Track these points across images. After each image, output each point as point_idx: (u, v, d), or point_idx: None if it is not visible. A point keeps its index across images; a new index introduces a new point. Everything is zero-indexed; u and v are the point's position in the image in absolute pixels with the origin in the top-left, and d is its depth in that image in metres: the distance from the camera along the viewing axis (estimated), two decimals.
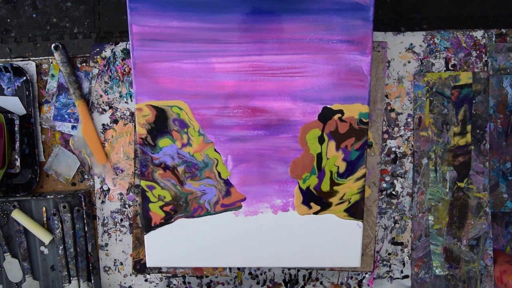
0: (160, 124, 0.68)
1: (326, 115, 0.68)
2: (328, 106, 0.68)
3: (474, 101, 0.75)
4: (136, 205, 0.78)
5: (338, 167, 0.70)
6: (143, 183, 0.70)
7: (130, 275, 0.80)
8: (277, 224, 0.71)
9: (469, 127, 0.75)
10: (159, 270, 0.79)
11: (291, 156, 0.69)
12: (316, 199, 0.70)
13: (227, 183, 0.70)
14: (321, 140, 0.69)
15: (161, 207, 0.71)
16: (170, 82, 0.67)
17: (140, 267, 0.79)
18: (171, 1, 0.65)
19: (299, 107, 0.68)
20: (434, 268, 0.77)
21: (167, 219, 0.71)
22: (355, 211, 0.71)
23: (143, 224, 0.71)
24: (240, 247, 0.71)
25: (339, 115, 0.68)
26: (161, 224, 0.71)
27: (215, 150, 0.69)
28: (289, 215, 0.71)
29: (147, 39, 0.66)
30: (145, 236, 0.71)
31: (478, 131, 0.76)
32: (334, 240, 0.71)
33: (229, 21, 0.65)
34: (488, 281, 0.77)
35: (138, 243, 0.78)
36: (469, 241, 0.77)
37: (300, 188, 0.70)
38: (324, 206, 0.71)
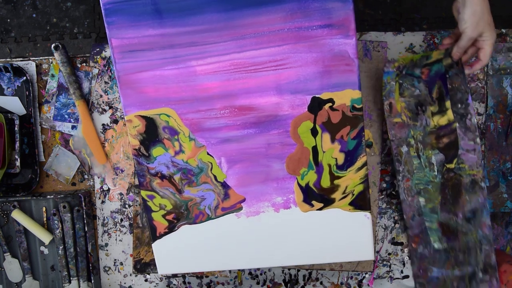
0: (151, 133, 0.68)
1: (316, 105, 0.66)
2: (317, 95, 0.66)
3: (447, 75, 0.69)
4: (136, 205, 0.78)
5: (336, 159, 0.68)
6: (143, 193, 0.70)
7: (130, 275, 0.80)
8: (280, 222, 0.70)
9: (448, 103, 0.70)
10: None
11: (285, 151, 0.68)
12: (318, 197, 0.69)
13: (225, 185, 0.69)
14: (314, 132, 0.67)
15: (163, 216, 0.71)
16: (155, 91, 0.67)
17: (140, 266, 0.79)
18: (145, 10, 0.64)
19: (286, 101, 0.66)
20: (433, 242, 0.75)
21: (171, 228, 0.71)
22: (360, 202, 0.69)
23: (149, 233, 0.72)
24: (246, 248, 0.71)
25: (330, 104, 0.66)
26: (166, 233, 0.71)
27: (208, 154, 0.69)
28: (291, 212, 0.70)
29: (127, 50, 0.65)
30: (152, 245, 0.72)
31: (459, 105, 0.69)
32: (342, 234, 0.70)
33: (204, 22, 0.64)
34: (488, 250, 0.72)
35: (139, 243, 0.78)
36: (465, 214, 0.73)
37: (299, 185, 0.69)
38: (327, 202, 0.69)
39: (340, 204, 0.69)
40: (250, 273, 0.80)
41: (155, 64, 0.66)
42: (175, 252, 0.71)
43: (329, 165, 0.68)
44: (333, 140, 0.67)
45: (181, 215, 0.71)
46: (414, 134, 0.73)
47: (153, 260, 0.78)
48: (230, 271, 0.80)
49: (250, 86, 0.66)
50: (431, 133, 0.72)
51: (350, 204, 0.69)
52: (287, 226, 0.70)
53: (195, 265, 0.72)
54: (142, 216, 0.78)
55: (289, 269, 0.80)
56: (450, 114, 0.70)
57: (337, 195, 0.69)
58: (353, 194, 0.69)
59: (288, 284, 0.81)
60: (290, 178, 0.69)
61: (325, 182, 0.69)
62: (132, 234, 0.79)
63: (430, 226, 0.75)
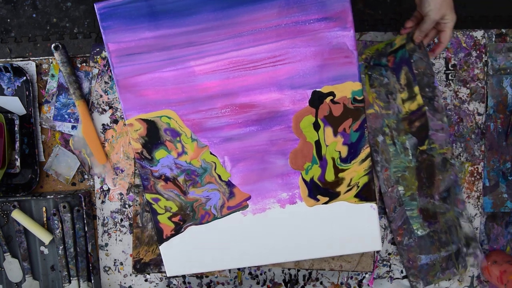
0: (153, 136, 0.68)
1: (317, 99, 0.66)
2: (317, 89, 0.66)
3: (412, 60, 0.70)
4: (136, 205, 0.78)
5: (339, 152, 0.68)
6: (148, 196, 0.70)
7: (130, 275, 0.80)
8: (287, 218, 0.70)
9: (416, 89, 0.72)
10: (159, 270, 0.79)
11: (288, 147, 0.68)
12: (323, 191, 0.69)
13: (229, 184, 0.69)
14: (316, 126, 0.67)
15: (169, 218, 0.71)
16: (154, 93, 0.67)
17: (140, 266, 0.79)
18: (141, 13, 0.64)
19: (287, 96, 0.66)
20: (416, 230, 0.76)
21: (178, 230, 0.71)
22: (366, 194, 0.69)
23: (156, 236, 0.72)
24: (254, 245, 0.71)
25: (331, 97, 0.66)
26: (172, 235, 0.71)
27: (211, 153, 0.69)
28: (297, 207, 0.70)
29: (124, 54, 0.65)
30: (160, 248, 0.72)
31: (427, 89, 0.72)
32: (349, 226, 0.70)
33: (201, 21, 0.64)
34: (466, 224, 0.76)
35: (138, 243, 0.78)
36: (440, 194, 0.76)
37: (303, 179, 0.69)
38: (332, 196, 0.69)
39: (346, 196, 0.69)
40: (250, 273, 0.80)
41: (153, 66, 0.66)
42: (183, 253, 0.72)
43: (333, 159, 0.68)
44: (335, 133, 0.67)
45: (187, 217, 0.70)
46: (388, 122, 0.74)
47: (153, 260, 0.78)
48: (229, 271, 0.80)
49: (249, 83, 0.66)
50: (404, 119, 0.74)
51: (356, 196, 0.69)
52: (294, 221, 0.70)
53: (204, 265, 0.72)
54: (142, 216, 0.78)
55: (289, 269, 0.80)
56: (419, 99, 0.72)
57: (342, 188, 0.69)
58: (358, 186, 0.69)
59: (288, 284, 0.81)
60: (295, 174, 0.69)
61: (330, 176, 0.69)
62: (132, 234, 0.79)
63: (411, 215, 0.76)
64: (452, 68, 0.80)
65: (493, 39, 0.80)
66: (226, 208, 0.70)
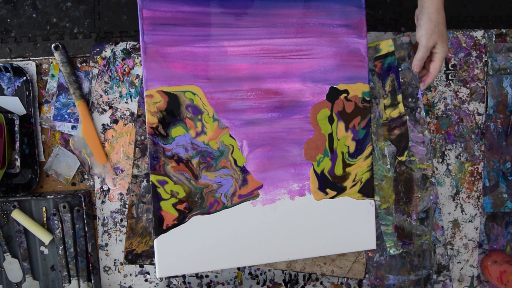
0: (173, 111, 0.66)
1: (333, 95, 0.70)
2: (334, 86, 0.70)
3: (400, 69, 0.72)
4: (132, 195, 0.77)
5: (348, 147, 0.71)
6: (154, 178, 0.66)
7: (130, 275, 0.80)
8: (294, 211, 0.70)
9: (399, 97, 0.73)
10: (150, 261, 0.77)
11: (304, 137, 0.70)
12: (332, 185, 0.71)
13: (244, 170, 0.69)
14: (330, 120, 0.71)
15: (174, 205, 0.67)
16: (182, 67, 0.66)
17: (132, 257, 0.78)
18: None
19: (308, 88, 0.70)
20: (388, 249, 0.76)
21: (181, 219, 0.67)
22: (367, 189, 0.72)
23: (153, 226, 0.67)
24: (258, 242, 0.70)
25: (345, 94, 0.71)
26: (174, 226, 0.67)
27: (230, 136, 0.68)
28: (305, 199, 0.70)
29: (158, 23, 0.65)
30: (155, 241, 0.67)
31: (410, 99, 0.73)
32: (349, 223, 0.72)
33: (240, 6, 0.67)
34: (442, 251, 0.76)
35: (132, 234, 0.77)
36: (418, 214, 0.75)
37: (315, 171, 0.70)
38: (340, 190, 0.71)
39: (351, 192, 0.72)
40: (250, 273, 0.80)
41: (186, 40, 0.66)
42: (180, 249, 0.67)
43: (342, 153, 0.71)
44: (347, 128, 0.71)
45: (194, 204, 0.68)
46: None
47: (145, 251, 0.77)
48: (228, 272, 0.80)
49: (276, 71, 0.69)
50: (384, 125, 0.74)
51: (359, 191, 0.72)
52: (300, 215, 0.70)
53: (202, 263, 0.69)
54: (138, 207, 0.77)
55: (283, 271, 0.80)
56: (401, 107, 0.73)
57: (348, 183, 0.71)
58: (361, 182, 0.72)
59: (288, 284, 0.81)
60: (307, 164, 0.70)
61: (338, 170, 0.71)
62: (126, 224, 0.79)
63: (386, 231, 0.76)
64: (452, 68, 0.80)
65: (493, 39, 0.80)
66: (237, 197, 0.69)
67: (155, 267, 0.80)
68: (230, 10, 0.67)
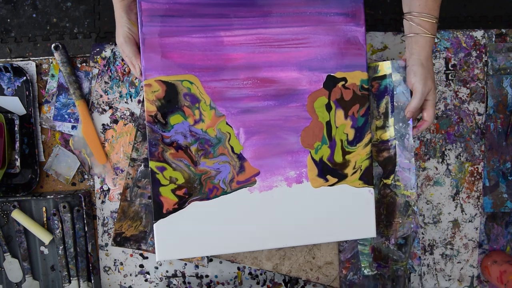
0: (171, 99, 0.68)
1: (331, 83, 0.70)
2: (332, 74, 0.70)
3: (395, 92, 0.72)
4: (128, 178, 0.77)
5: (347, 134, 0.71)
6: (153, 165, 0.67)
7: (130, 275, 0.80)
8: (292, 198, 0.70)
9: (391, 121, 0.72)
10: (138, 246, 0.77)
11: (301, 125, 0.70)
12: (332, 171, 0.71)
13: (241, 157, 0.69)
14: (328, 107, 0.71)
15: (173, 191, 0.68)
16: (179, 57, 0.67)
17: (120, 240, 0.77)
18: None
19: (305, 76, 0.70)
20: (363, 269, 0.76)
21: (181, 204, 0.68)
22: (367, 177, 0.72)
23: (153, 211, 0.68)
24: (255, 228, 0.70)
25: (343, 82, 0.71)
26: (175, 210, 0.68)
27: (227, 123, 0.69)
28: (303, 187, 0.71)
29: (156, 15, 0.66)
30: (154, 225, 0.67)
31: (401, 124, 0.72)
32: (348, 211, 0.72)
33: None
34: (416, 280, 0.77)
35: (123, 216, 0.76)
36: (397, 239, 0.75)
37: (313, 159, 0.71)
38: (341, 177, 0.72)
39: (352, 179, 0.72)
40: (250, 273, 0.80)
41: (183, 30, 0.67)
42: (180, 233, 0.68)
43: (341, 140, 0.71)
44: (346, 116, 0.71)
45: (193, 190, 0.69)
46: None
47: (134, 236, 0.76)
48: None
49: (273, 60, 0.69)
50: (373, 145, 0.74)
51: (360, 179, 0.72)
52: (298, 201, 0.71)
53: (201, 248, 0.69)
54: (132, 190, 0.76)
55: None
56: (392, 131, 0.73)
57: (349, 170, 0.72)
58: (361, 170, 0.72)
59: (288, 284, 0.81)
60: (304, 152, 0.71)
61: (338, 157, 0.71)
62: (119, 206, 0.78)
63: (363, 250, 0.76)
64: (452, 68, 0.80)
65: (493, 39, 0.80)
66: (236, 183, 0.69)
67: (153, 264, 0.80)
68: (225, 1, 0.68)
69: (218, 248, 0.70)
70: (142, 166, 0.76)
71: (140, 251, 0.79)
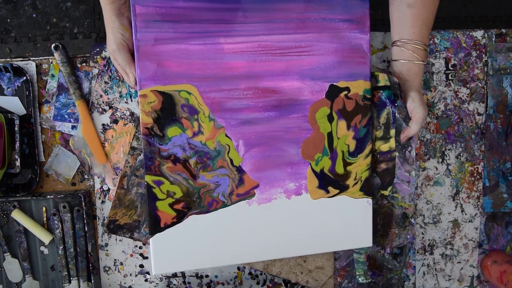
0: (168, 111, 0.64)
1: (333, 92, 0.68)
2: (334, 83, 0.68)
3: (396, 104, 0.69)
4: (126, 167, 0.76)
5: (348, 145, 0.70)
6: (149, 179, 0.65)
7: (130, 275, 0.80)
8: (291, 210, 0.69)
9: (392, 132, 0.70)
10: (130, 235, 0.75)
11: (302, 136, 0.68)
12: (334, 183, 0.70)
13: (240, 170, 0.68)
14: (330, 118, 0.69)
15: (171, 205, 0.66)
16: (177, 65, 0.64)
17: (113, 227, 0.75)
18: None
19: (307, 86, 0.68)
20: (357, 277, 0.76)
21: (180, 218, 0.67)
22: (367, 188, 0.71)
23: (149, 225, 0.66)
24: (254, 240, 0.69)
25: (346, 92, 0.69)
26: (173, 224, 0.67)
27: (226, 135, 0.67)
28: (302, 199, 0.69)
29: (151, 20, 0.62)
30: (150, 240, 0.66)
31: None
32: (346, 221, 0.71)
33: (236, 0, 0.64)
34: None
35: (118, 204, 0.75)
36: (392, 249, 0.76)
37: (313, 170, 0.69)
38: (343, 189, 0.70)
39: (353, 190, 0.71)
40: (250, 273, 0.80)
41: (181, 37, 0.63)
42: (176, 247, 0.67)
43: (342, 152, 0.70)
44: (349, 127, 0.69)
45: (192, 204, 0.67)
46: None
47: (127, 224, 0.75)
48: (229, 272, 0.80)
49: (275, 69, 0.67)
50: (372, 156, 0.72)
51: (361, 190, 0.71)
52: (296, 214, 0.70)
53: (199, 261, 0.68)
54: (129, 179, 0.75)
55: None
56: (392, 143, 0.71)
57: (350, 181, 0.71)
58: (361, 180, 0.71)
59: (288, 284, 0.81)
60: (304, 164, 0.69)
61: (339, 169, 0.70)
62: (115, 194, 0.77)
63: (358, 259, 0.76)
64: (452, 68, 0.80)
65: (493, 39, 0.80)
66: (236, 195, 0.68)
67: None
68: (225, 5, 0.64)
69: (215, 260, 0.69)
70: (142, 155, 0.76)
71: (140, 252, 0.79)
